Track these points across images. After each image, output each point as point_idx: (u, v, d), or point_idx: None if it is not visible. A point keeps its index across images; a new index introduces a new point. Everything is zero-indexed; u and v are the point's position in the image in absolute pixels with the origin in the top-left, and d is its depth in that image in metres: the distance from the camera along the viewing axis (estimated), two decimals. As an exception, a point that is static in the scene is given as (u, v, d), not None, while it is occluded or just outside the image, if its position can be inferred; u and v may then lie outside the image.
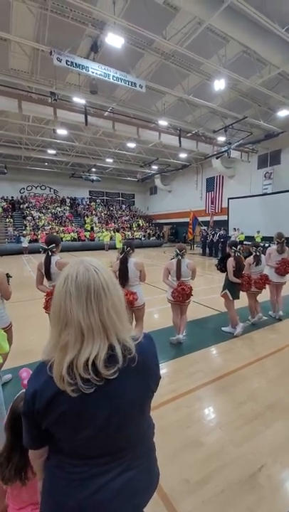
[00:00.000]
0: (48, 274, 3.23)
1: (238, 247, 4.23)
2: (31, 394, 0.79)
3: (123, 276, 3.39)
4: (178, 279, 3.73)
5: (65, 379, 0.73)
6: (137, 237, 23.51)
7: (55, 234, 19.48)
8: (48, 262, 3.21)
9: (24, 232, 19.57)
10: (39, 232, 19.97)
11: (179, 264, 3.70)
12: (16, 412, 1.14)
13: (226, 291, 4.24)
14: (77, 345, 0.76)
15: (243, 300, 4.61)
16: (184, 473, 1.85)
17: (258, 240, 14.29)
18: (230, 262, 4.13)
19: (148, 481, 0.95)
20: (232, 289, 4.21)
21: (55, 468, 0.87)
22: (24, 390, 1.02)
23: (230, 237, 15.29)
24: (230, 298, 4.21)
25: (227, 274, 4.22)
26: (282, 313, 4.87)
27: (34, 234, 19.56)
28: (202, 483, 1.78)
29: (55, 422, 0.78)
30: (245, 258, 4.48)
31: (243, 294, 4.39)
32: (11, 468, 1.11)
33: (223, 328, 4.40)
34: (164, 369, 3.23)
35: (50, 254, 3.23)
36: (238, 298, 4.28)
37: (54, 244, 3.26)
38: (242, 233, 15.47)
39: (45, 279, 3.33)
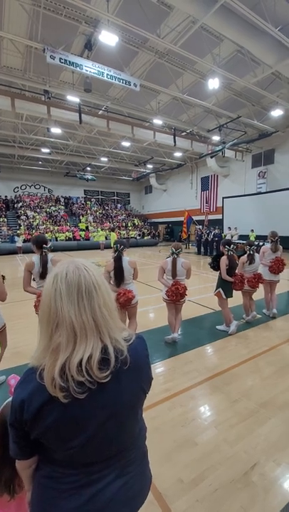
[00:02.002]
0: (45, 274, 3.16)
1: (232, 245, 4.24)
2: (19, 403, 0.74)
3: (118, 275, 3.38)
4: (173, 278, 3.73)
5: (56, 383, 0.70)
6: (132, 236, 23.48)
7: (48, 233, 19.45)
8: (45, 261, 3.17)
9: (18, 231, 19.38)
10: (33, 231, 19.78)
11: (174, 262, 3.70)
12: (4, 421, 1.05)
13: (220, 289, 4.25)
14: (70, 346, 0.73)
15: (237, 298, 4.64)
16: (178, 473, 1.85)
17: (252, 238, 14.42)
18: (224, 261, 4.14)
19: (141, 485, 0.93)
20: (225, 287, 4.22)
21: (44, 478, 0.82)
22: (11, 399, 0.96)
23: (225, 235, 15.40)
24: (224, 296, 4.23)
25: (220, 273, 4.23)
26: (276, 311, 4.91)
27: (28, 233, 19.38)
28: (196, 483, 1.78)
29: (46, 431, 0.74)
30: (240, 257, 4.50)
31: (237, 293, 4.41)
32: (1, 481, 1.06)
33: (217, 327, 4.41)
34: (158, 368, 3.23)
35: (44, 253, 3.21)
36: (232, 296, 4.29)
37: (50, 244, 3.27)
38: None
39: (39, 280, 3.27)
